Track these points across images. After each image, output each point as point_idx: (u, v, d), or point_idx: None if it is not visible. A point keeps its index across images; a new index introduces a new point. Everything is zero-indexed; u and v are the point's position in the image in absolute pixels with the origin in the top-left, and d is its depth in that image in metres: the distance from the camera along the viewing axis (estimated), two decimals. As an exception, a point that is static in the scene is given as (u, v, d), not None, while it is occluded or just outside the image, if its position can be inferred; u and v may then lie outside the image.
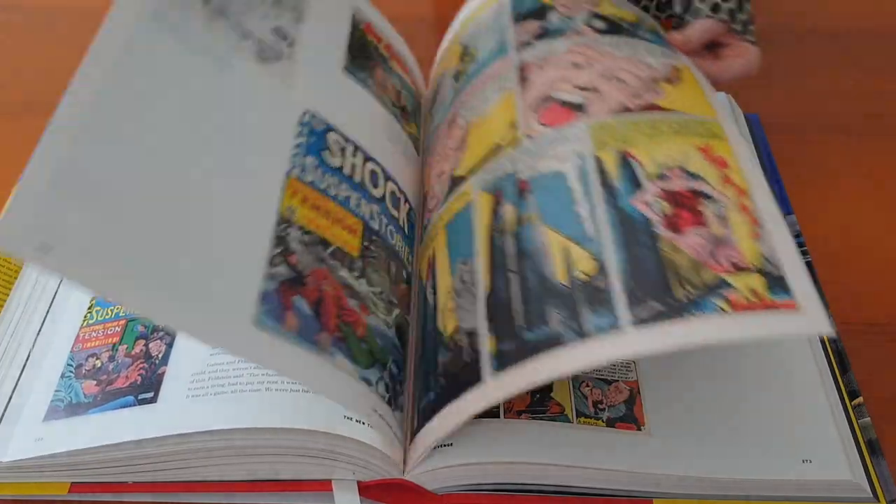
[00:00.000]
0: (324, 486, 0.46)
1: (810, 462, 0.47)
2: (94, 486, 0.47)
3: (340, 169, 0.49)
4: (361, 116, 0.55)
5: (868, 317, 0.57)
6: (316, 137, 0.49)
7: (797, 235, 0.61)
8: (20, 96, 0.75)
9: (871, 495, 0.47)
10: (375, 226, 0.50)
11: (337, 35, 0.57)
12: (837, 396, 0.51)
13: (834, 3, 0.79)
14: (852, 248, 0.62)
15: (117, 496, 0.47)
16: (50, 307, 0.54)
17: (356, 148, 0.51)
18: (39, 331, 0.52)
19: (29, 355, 0.51)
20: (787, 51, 0.70)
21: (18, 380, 0.50)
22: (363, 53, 0.59)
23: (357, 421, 0.45)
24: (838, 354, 0.54)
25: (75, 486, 0.47)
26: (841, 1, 0.83)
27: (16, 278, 0.56)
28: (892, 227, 0.64)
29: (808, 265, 0.59)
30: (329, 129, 0.50)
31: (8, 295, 0.55)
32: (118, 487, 0.47)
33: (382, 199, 0.52)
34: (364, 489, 0.46)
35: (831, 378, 0.52)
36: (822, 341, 0.54)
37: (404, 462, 0.46)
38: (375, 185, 0.51)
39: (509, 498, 0.47)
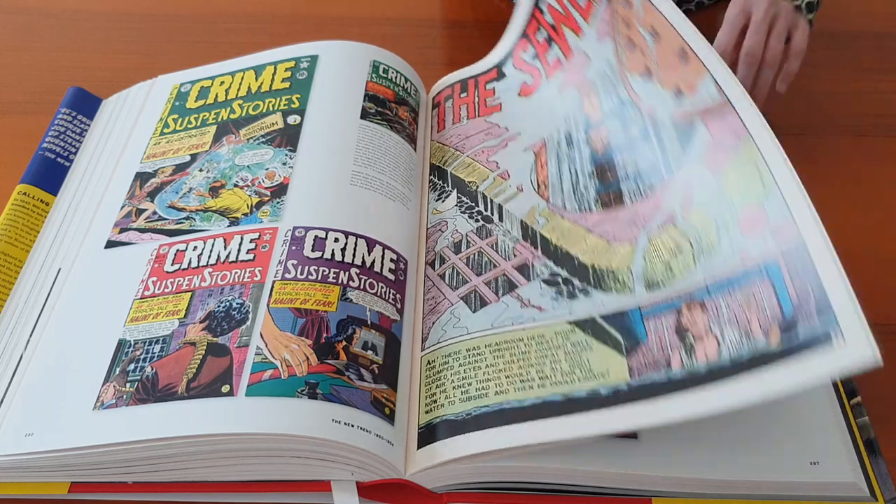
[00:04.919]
0: (323, 486, 0.46)
1: (807, 461, 0.47)
2: (94, 486, 0.47)
3: None
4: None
5: (867, 317, 0.57)
6: None
7: (796, 235, 0.61)
8: (20, 96, 0.75)
9: (870, 495, 0.47)
10: None
11: None
12: (835, 395, 0.51)
13: (834, 4, 0.79)
14: (851, 248, 0.61)
15: (117, 496, 0.47)
16: (44, 307, 0.54)
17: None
18: (32, 331, 0.53)
19: (22, 356, 0.51)
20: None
21: (12, 378, 0.50)
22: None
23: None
24: (837, 354, 0.53)
25: (75, 486, 0.47)
26: (841, 3, 0.83)
27: (16, 279, 0.56)
28: (892, 227, 0.64)
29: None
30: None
31: (8, 295, 0.55)
32: (118, 487, 0.47)
33: None
34: (363, 489, 0.46)
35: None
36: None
37: (405, 462, 0.46)
38: None
39: (509, 497, 0.47)
